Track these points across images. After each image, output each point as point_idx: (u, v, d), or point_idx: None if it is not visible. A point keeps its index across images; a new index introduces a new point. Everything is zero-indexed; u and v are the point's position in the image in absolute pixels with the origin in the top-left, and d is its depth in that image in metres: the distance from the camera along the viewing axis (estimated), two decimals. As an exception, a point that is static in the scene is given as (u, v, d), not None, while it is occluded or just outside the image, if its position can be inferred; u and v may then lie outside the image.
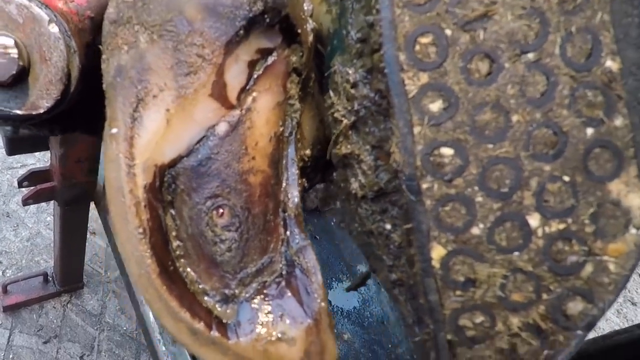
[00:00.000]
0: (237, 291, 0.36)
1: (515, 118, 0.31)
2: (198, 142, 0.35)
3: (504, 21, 0.31)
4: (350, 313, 1.65)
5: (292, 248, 0.37)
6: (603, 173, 0.30)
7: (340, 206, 0.43)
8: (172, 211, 0.36)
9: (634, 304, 2.86)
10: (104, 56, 0.37)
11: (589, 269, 0.30)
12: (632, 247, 0.30)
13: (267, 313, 0.36)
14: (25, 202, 1.55)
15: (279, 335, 0.35)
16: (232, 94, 0.36)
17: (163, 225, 0.36)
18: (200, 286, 0.36)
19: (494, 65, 0.31)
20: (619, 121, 0.30)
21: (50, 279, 1.84)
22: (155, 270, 0.34)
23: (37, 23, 0.40)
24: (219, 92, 0.35)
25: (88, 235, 1.72)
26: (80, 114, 0.48)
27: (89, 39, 0.46)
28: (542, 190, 0.30)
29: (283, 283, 0.37)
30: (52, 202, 1.57)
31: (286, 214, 0.38)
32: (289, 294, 0.36)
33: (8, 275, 1.85)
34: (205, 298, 0.36)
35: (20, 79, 0.41)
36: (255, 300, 0.36)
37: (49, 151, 1.61)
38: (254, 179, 0.36)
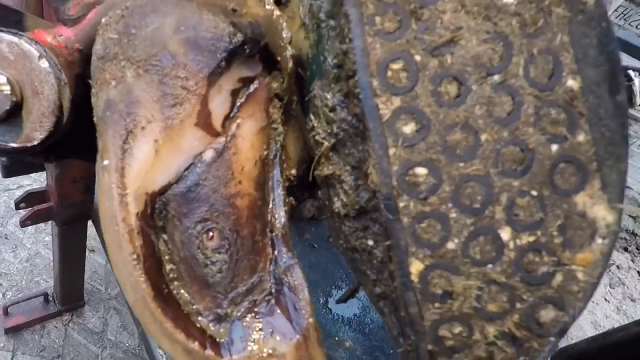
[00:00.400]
0: (229, 310, 0.38)
1: (484, 137, 0.32)
2: (186, 169, 0.37)
3: (469, 46, 0.33)
4: (351, 320, 1.66)
5: (279, 267, 0.39)
6: (569, 187, 0.32)
7: (328, 223, 0.44)
8: (165, 236, 0.38)
9: (633, 300, 2.87)
10: (93, 90, 0.38)
11: (559, 278, 0.32)
12: (599, 256, 0.31)
13: (258, 330, 0.37)
14: (24, 223, 1.57)
15: (270, 351, 0.36)
16: (217, 122, 0.37)
17: (156, 250, 0.37)
18: (194, 307, 0.38)
19: (462, 88, 0.33)
20: (581, 137, 0.32)
21: (51, 298, 1.84)
22: (150, 294, 0.35)
23: (27, 59, 0.42)
24: (204, 121, 0.37)
25: (87, 253, 1.73)
26: (73, 141, 0.49)
27: (79, 70, 0.48)
28: (512, 204, 0.32)
29: (272, 301, 0.38)
30: (50, 222, 1.58)
31: (274, 234, 0.40)
32: (278, 311, 0.38)
33: (8, 296, 1.85)
34: (199, 318, 0.38)
35: (14, 113, 0.42)
36: (247, 319, 0.38)
37: (44, 171, 1.62)
38: (241, 202, 0.38)
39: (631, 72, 0.95)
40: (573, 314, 0.32)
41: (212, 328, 0.37)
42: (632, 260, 3.20)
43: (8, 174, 1.32)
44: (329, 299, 1.80)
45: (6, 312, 1.73)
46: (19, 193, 2.07)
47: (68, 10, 0.46)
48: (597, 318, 2.72)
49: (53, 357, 1.72)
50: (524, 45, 0.32)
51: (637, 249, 3.33)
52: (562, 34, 0.32)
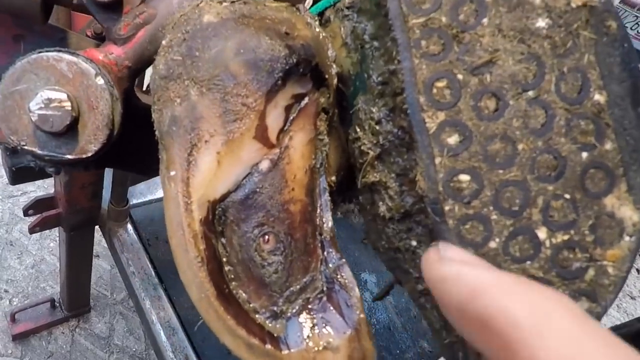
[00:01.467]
0: (284, 308, 0.41)
1: (520, 147, 0.36)
2: (244, 178, 0.40)
3: (506, 65, 0.36)
4: (357, 321, 1.69)
5: (330, 267, 0.42)
6: (598, 190, 0.35)
7: (366, 226, 0.48)
8: (223, 240, 0.41)
9: (632, 298, 2.93)
10: (155, 107, 0.41)
11: (591, 273, 0.35)
12: (627, 252, 0.35)
13: (313, 326, 0.41)
14: (32, 230, 1.58)
15: (325, 344, 0.40)
16: (272, 135, 0.41)
17: (217, 253, 0.40)
18: (251, 305, 0.41)
19: (500, 103, 0.36)
20: (608, 145, 0.36)
21: (58, 304, 1.86)
22: (214, 293, 0.38)
23: (85, 77, 0.45)
24: (261, 134, 0.40)
25: (92, 259, 1.75)
26: (112, 150, 0.52)
27: (127, 85, 0.51)
28: (548, 207, 0.36)
29: (325, 298, 0.41)
30: (55, 228, 1.59)
31: (322, 236, 0.43)
32: (331, 307, 0.41)
33: (15, 303, 1.86)
34: (257, 315, 0.41)
35: (72, 127, 0.45)
36: (301, 315, 0.41)
37: (49, 178, 1.64)
38: (294, 208, 0.41)
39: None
40: (605, 305, 0.35)
41: (269, 324, 0.41)
42: (631, 258, 3.24)
43: (15, 181, 1.33)
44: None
45: (13, 319, 1.75)
46: (23, 200, 2.09)
47: (119, 30, 0.49)
48: (599, 315, 2.76)
49: (62, 363, 1.73)
50: (555, 65, 0.36)
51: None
52: (589, 54, 0.36)
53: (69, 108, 0.44)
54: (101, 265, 2.07)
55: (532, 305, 0.27)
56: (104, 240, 1.70)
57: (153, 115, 0.42)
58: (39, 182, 2.27)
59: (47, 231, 2.04)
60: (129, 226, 1.69)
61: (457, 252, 0.34)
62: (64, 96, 0.43)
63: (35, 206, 1.54)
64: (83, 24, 0.87)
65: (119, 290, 1.97)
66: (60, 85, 0.44)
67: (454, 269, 0.31)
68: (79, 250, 1.65)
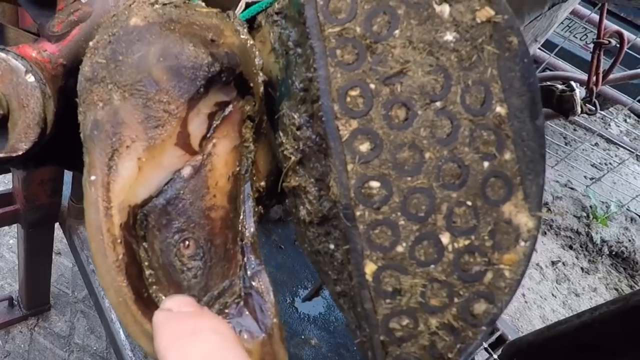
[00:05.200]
0: None
1: (427, 155, 0.38)
2: (166, 184, 0.41)
3: (416, 76, 0.38)
4: (317, 319, 1.71)
5: (248, 272, 0.43)
6: (497, 198, 0.37)
7: (294, 228, 0.49)
8: (145, 244, 0.42)
9: (577, 295, 3.03)
10: (80, 109, 0.42)
11: (489, 276, 0.37)
12: (522, 257, 0.37)
13: None
14: (-12, 227, 1.54)
15: None
16: (195, 142, 0.42)
17: (137, 258, 0.41)
18: None
19: (409, 113, 0.38)
20: (507, 155, 0.38)
21: (16, 302, 1.82)
22: (132, 297, 0.39)
23: (14, 74, 0.45)
24: (183, 141, 0.41)
25: (53, 256, 1.72)
26: (51, 148, 0.51)
27: (61, 83, 0.50)
28: (451, 213, 0.37)
29: (241, 303, 0.43)
30: (12, 224, 1.56)
31: (244, 242, 0.44)
32: (247, 312, 0.42)
33: (-28, 302, 1.82)
34: None
35: (1, 125, 0.45)
36: None
37: (7, 174, 1.60)
38: (216, 214, 0.42)
39: (573, 83, 1.03)
40: (501, 306, 0.37)
41: (189, 326, 0.42)
42: (577, 258, 3.37)
43: (-28, 177, 1.30)
44: (295, 299, 1.84)
45: (-31, 318, 1.71)
46: (-18, 196, 2.03)
47: (53, 27, 0.49)
48: (545, 312, 2.86)
49: (19, 362, 1.70)
50: (460, 77, 0.38)
51: (580, 246, 3.51)
52: (492, 67, 0.38)
53: None
54: (62, 262, 2.04)
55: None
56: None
57: (79, 118, 0.42)
58: (-2, 178, 2.22)
59: (6, 228, 2.00)
60: (90, 224, 1.67)
61: (175, 301, 0.37)
62: None
63: (-9, 202, 1.51)
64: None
65: (81, 288, 1.95)
66: None
67: (160, 317, 0.35)
68: (38, 247, 1.62)
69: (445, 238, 0.37)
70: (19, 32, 0.63)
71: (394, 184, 0.38)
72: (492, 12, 0.38)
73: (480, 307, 0.37)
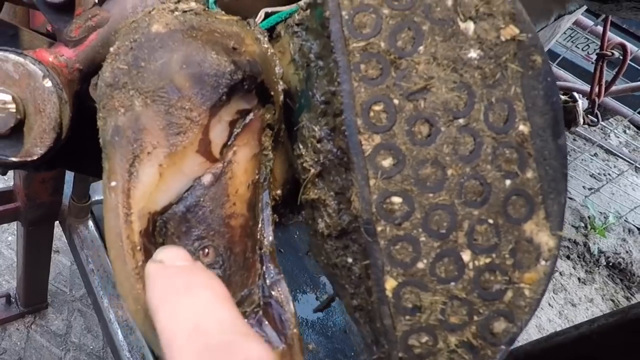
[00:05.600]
0: None
1: (450, 172, 0.38)
2: (186, 191, 0.41)
3: (439, 93, 0.38)
4: (315, 323, 1.71)
5: (267, 281, 0.43)
6: (519, 216, 0.37)
7: (309, 240, 0.49)
8: None
9: (574, 305, 3.04)
10: (100, 114, 0.42)
11: (509, 294, 0.37)
12: (542, 276, 0.37)
13: None
14: (-11, 224, 1.54)
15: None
16: (216, 149, 0.41)
17: None
18: None
19: (432, 129, 0.38)
20: (530, 174, 0.38)
21: (13, 300, 1.81)
22: None
23: (32, 79, 0.44)
24: (204, 148, 0.41)
25: (52, 254, 1.71)
26: (64, 152, 0.51)
27: (77, 88, 0.50)
28: (472, 230, 0.37)
29: (260, 312, 0.42)
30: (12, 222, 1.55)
31: (262, 250, 0.44)
32: (266, 322, 0.42)
33: (-31, 298, 1.81)
34: None
35: (16, 129, 0.45)
36: None
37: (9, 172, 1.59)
38: (235, 222, 0.42)
39: (575, 94, 1.04)
40: (521, 325, 0.37)
41: (206, 335, 0.41)
42: (574, 268, 3.39)
43: (-27, 174, 1.30)
44: (294, 303, 1.84)
45: (-34, 314, 1.70)
46: (-19, 192, 2.02)
47: (70, 32, 0.49)
48: (542, 322, 2.87)
49: (15, 360, 1.69)
50: (484, 95, 0.38)
51: (578, 256, 3.52)
52: (516, 85, 0.38)
53: (14, 110, 0.43)
54: (61, 261, 2.03)
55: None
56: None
57: (98, 123, 0.42)
58: (-2, 174, 2.21)
59: (5, 225, 1.99)
60: (90, 223, 1.67)
61: (168, 253, 0.37)
62: (8, 98, 0.43)
63: (-8, 199, 1.50)
64: (43, 19, 0.86)
65: (78, 287, 1.94)
66: (5, 87, 0.44)
67: (151, 269, 0.35)
68: (37, 245, 1.61)
69: (466, 255, 0.37)
70: (32, 35, 0.63)
71: (416, 200, 0.38)
72: (517, 31, 0.38)
73: (500, 325, 0.37)
